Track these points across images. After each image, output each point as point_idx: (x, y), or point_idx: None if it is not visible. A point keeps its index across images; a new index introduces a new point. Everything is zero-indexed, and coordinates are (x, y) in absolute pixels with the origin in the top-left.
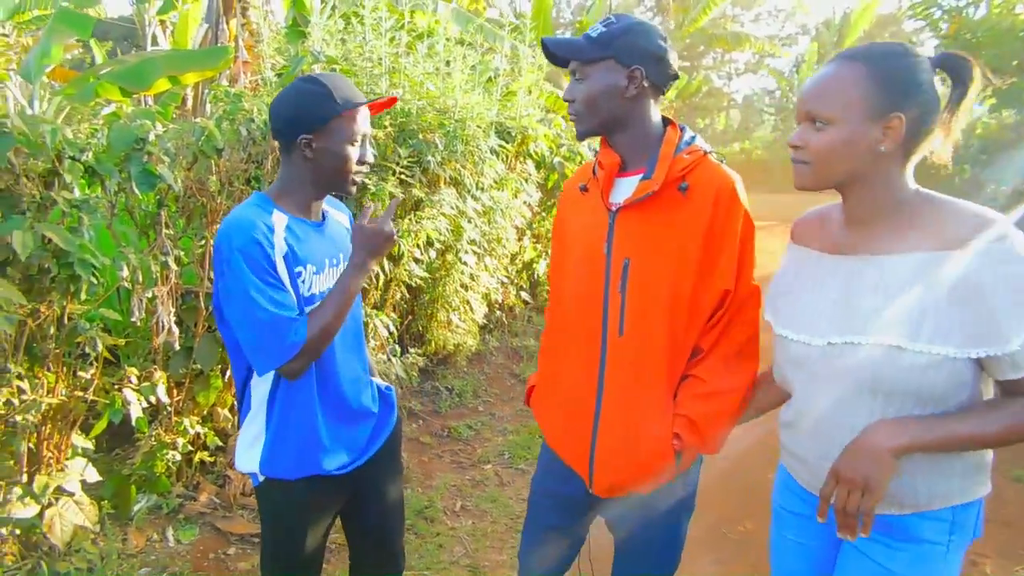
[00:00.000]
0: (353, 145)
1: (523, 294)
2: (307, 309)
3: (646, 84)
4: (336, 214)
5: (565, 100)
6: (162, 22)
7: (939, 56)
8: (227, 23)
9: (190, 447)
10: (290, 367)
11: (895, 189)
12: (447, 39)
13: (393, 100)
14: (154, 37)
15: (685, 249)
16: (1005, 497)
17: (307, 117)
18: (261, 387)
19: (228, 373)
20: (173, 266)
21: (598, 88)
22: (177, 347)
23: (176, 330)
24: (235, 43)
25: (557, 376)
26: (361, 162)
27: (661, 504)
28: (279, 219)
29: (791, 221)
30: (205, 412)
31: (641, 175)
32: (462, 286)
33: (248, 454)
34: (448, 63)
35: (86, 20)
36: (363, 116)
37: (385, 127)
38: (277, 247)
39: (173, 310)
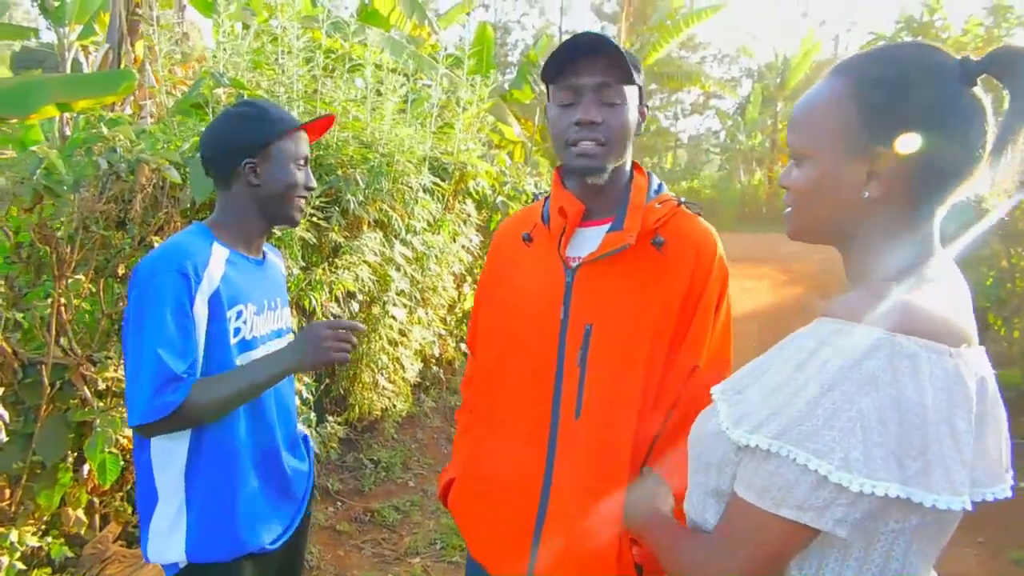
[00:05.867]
0: (298, 168)
1: (463, 346)
2: (240, 358)
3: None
4: (272, 256)
5: (587, 121)
6: (84, 47)
7: (988, 57)
8: (131, 45)
9: (21, 566)
10: (150, 429)
11: (901, 254)
12: (377, 66)
13: (331, 119)
14: (76, 64)
15: (662, 315)
16: None
17: (247, 140)
18: (172, 464)
19: (86, 466)
20: None
21: (632, 117)
22: (3, 437)
23: (5, 415)
24: (142, 67)
25: (490, 468)
26: (307, 188)
27: None
28: (219, 252)
29: (741, 259)
30: (48, 517)
31: (608, 225)
32: (390, 343)
33: (167, 541)
34: (379, 92)
35: None
36: (301, 138)
37: None
38: (205, 282)
39: (0, 390)
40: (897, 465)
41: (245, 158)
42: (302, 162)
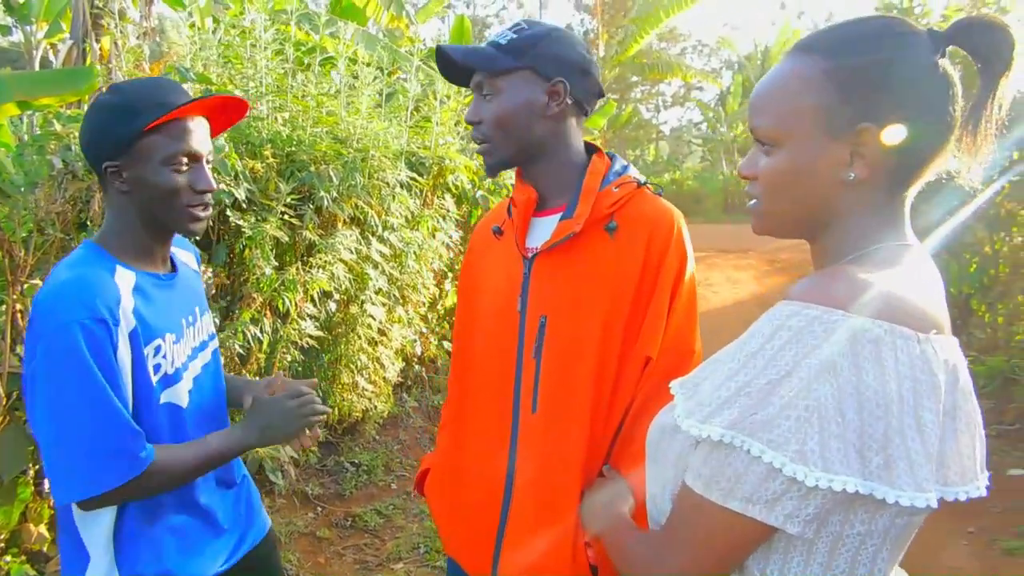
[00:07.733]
0: (176, 170)
1: (445, 344)
2: (165, 394)
3: (569, 101)
4: (182, 254)
5: (469, 122)
6: (52, 46)
7: (953, 27)
8: (96, 40)
9: None
10: (132, 489)
11: (873, 237)
12: (351, 60)
13: (235, 99)
14: (45, 62)
15: (614, 304)
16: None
17: (107, 139)
18: (99, 525)
19: (46, 481)
20: None
21: (512, 105)
22: None
23: None
24: (108, 63)
25: (461, 463)
26: (199, 191)
27: None
28: (124, 278)
29: (727, 251)
30: (7, 535)
31: (561, 214)
32: (369, 342)
33: None
34: (352, 86)
35: None
36: (183, 131)
37: (267, 158)
38: (123, 322)
39: None
40: (858, 458)
41: (105, 160)
42: (184, 160)
